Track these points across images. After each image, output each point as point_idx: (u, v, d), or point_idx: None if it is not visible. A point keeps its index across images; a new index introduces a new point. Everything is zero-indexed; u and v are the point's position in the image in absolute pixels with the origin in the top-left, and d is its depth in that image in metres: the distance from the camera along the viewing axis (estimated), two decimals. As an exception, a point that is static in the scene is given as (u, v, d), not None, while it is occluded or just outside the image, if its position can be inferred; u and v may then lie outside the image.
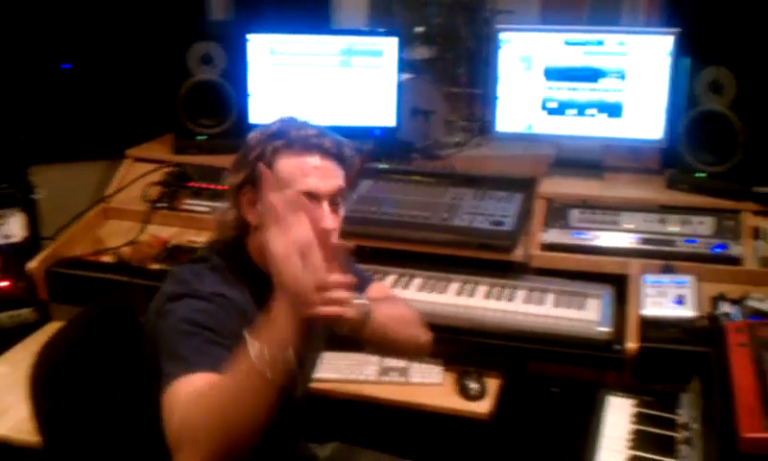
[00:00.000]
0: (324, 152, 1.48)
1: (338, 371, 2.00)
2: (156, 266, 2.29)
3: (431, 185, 2.45)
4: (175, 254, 2.31)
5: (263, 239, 1.32)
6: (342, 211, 1.52)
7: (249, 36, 2.61)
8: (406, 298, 2.07)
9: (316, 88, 2.64)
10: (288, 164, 1.45)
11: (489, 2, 3.07)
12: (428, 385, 1.98)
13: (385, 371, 2.01)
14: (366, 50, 2.62)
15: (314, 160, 1.47)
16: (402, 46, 2.72)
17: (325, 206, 1.46)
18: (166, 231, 2.45)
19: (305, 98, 2.64)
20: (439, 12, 3.14)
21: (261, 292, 1.38)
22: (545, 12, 3.13)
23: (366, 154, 2.67)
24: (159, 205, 2.52)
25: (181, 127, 2.72)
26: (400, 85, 2.66)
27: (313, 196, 1.45)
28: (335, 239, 1.46)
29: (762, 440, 1.25)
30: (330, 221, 1.46)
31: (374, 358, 2.04)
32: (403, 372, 2.01)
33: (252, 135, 1.50)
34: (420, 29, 3.13)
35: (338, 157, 1.50)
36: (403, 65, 2.74)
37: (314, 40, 2.64)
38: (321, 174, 1.47)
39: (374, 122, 2.67)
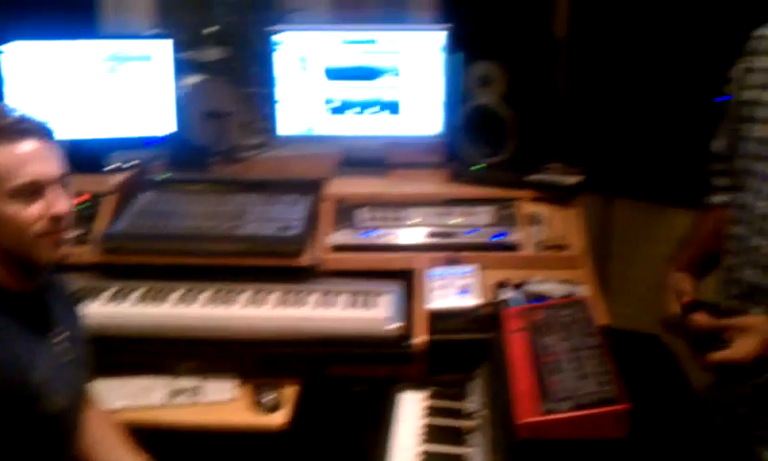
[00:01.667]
0: (38, 134, 1.38)
1: (123, 398, 1.88)
2: None
3: (216, 193, 2.37)
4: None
5: None
6: (72, 191, 1.43)
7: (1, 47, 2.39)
8: (194, 313, 2.00)
9: (82, 98, 2.46)
10: (1, 157, 1.34)
11: (278, 1, 3.03)
12: (221, 403, 1.91)
13: (175, 393, 1.91)
14: (136, 55, 2.48)
15: (29, 145, 1.36)
16: (183, 48, 2.61)
17: (54, 189, 1.37)
18: None
19: (70, 109, 2.45)
20: (228, 11, 3.05)
21: None
22: (337, 10, 3.12)
23: (145, 163, 2.54)
24: None
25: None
26: (183, 90, 2.55)
27: (38, 184, 1.35)
28: (71, 221, 1.41)
29: (538, 424, 1.29)
30: (64, 204, 1.37)
31: (163, 381, 1.93)
32: (195, 391, 1.92)
33: None
34: (210, 29, 3.03)
35: (51, 135, 1.40)
36: (190, 68, 2.64)
37: (78, 46, 2.45)
38: (41, 158, 1.36)
39: (152, 129, 2.53)
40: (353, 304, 2.03)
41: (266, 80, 2.94)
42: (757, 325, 1.43)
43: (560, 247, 2.20)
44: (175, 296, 2.06)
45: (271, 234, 2.16)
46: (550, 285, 2.05)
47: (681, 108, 2.62)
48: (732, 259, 1.61)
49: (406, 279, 2.13)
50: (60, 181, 1.41)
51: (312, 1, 3.09)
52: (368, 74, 2.48)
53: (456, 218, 2.28)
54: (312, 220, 2.24)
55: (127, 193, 2.37)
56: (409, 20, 2.89)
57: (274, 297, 2.06)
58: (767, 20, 1.59)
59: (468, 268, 2.11)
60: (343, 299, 2.05)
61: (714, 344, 1.44)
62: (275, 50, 2.48)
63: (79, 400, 1.59)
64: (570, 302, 1.70)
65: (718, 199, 1.74)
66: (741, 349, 1.40)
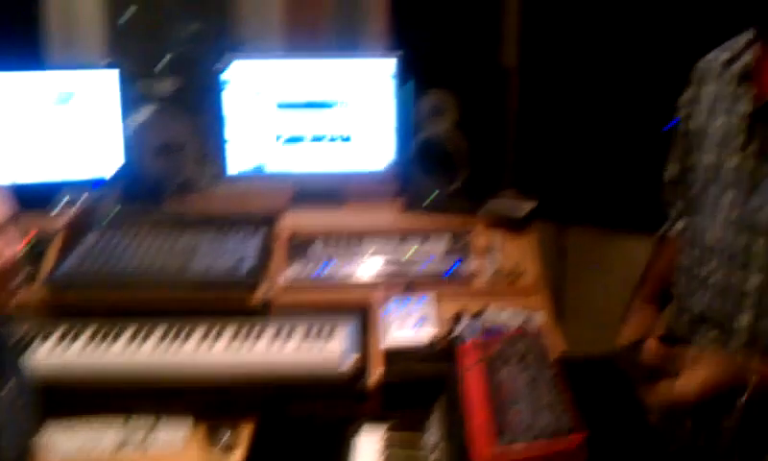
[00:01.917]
0: None
1: (73, 446, 1.82)
2: None
3: (167, 230, 2.32)
4: None
5: None
6: (19, 233, 1.40)
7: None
8: (144, 355, 1.95)
9: (29, 134, 2.39)
10: None
11: (231, 31, 3.00)
12: (174, 447, 1.85)
13: (126, 438, 1.86)
14: (84, 87, 2.42)
15: None
16: (134, 80, 2.56)
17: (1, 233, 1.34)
18: None
19: (16, 146, 2.38)
20: (180, 41, 3.03)
21: None
22: (290, 40, 3.10)
23: (94, 201, 2.48)
24: None
25: None
26: (134, 123, 2.51)
27: None
28: (19, 266, 1.38)
29: (495, 458, 1.27)
30: (11, 248, 1.36)
31: (114, 425, 1.88)
32: (147, 436, 1.86)
33: None
34: (164, 60, 2.99)
35: None
36: (141, 100, 2.60)
37: (23, 78, 2.37)
38: None
39: (102, 165, 2.47)
40: (307, 342, 1.99)
41: (218, 112, 2.92)
42: (706, 359, 1.42)
43: (515, 275, 2.20)
44: (125, 336, 2.01)
45: (223, 272, 2.12)
46: (507, 314, 2.04)
47: (632, 134, 2.65)
48: (683, 287, 1.62)
49: (362, 313, 2.10)
50: (7, 224, 1.36)
51: (264, 31, 3.08)
52: (319, 105, 2.47)
53: (411, 249, 2.27)
54: (265, 256, 2.21)
55: (75, 232, 2.31)
56: (361, 49, 2.89)
57: (226, 336, 2.02)
58: (712, 48, 1.62)
59: (423, 299, 2.09)
60: (296, 336, 2.01)
61: (662, 376, 1.43)
62: (225, 82, 2.46)
63: (27, 451, 1.53)
64: (525, 333, 1.69)
65: (674, 230, 1.75)
66: (685, 386, 1.39)
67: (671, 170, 1.72)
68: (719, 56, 1.58)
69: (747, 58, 1.50)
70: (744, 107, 1.48)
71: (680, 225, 1.72)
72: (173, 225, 2.34)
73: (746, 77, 1.49)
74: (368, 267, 2.22)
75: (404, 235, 2.32)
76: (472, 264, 2.22)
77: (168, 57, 3.02)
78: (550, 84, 2.75)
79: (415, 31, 2.62)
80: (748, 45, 1.51)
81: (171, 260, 2.16)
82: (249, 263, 2.14)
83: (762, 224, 1.43)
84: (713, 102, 1.55)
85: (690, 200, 1.61)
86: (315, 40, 2.96)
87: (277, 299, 2.14)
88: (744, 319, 1.46)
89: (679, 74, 1.67)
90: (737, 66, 1.51)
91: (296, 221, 2.40)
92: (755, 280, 1.44)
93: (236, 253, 2.19)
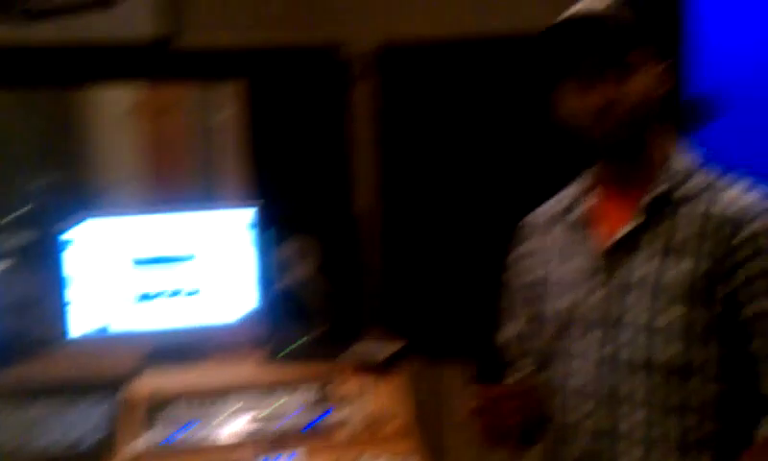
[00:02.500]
0: None
1: None
2: None
3: (5, 401, 2.12)
4: None
5: None
6: None
7: None
8: None
9: None
10: None
11: (87, 185, 2.90)
12: None
13: None
14: None
15: None
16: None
17: None
18: None
19: None
20: (34, 194, 2.88)
21: None
22: (148, 193, 3.02)
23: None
24: None
25: None
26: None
27: None
28: None
29: None
30: None
31: None
32: None
33: None
34: (13, 214, 2.84)
35: None
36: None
37: None
38: None
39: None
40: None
41: (67, 270, 2.77)
42: None
43: (386, 420, 2.13)
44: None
45: (63, 449, 1.93)
46: (380, 463, 1.96)
47: (497, 265, 2.69)
48: (548, 442, 1.59)
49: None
50: None
51: (122, 184, 2.99)
52: (177, 259, 2.38)
53: (277, 403, 2.16)
54: (115, 424, 2.04)
55: None
56: (219, 201, 2.84)
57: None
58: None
59: (293, 455, 1.97)
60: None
61: None
62: (72, 240, 2.34)
63: None
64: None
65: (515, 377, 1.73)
66: None
67: (513, 327, 1.71)
68: (554, 207, 1.64)
69: (587, 203, 1.55)
70: (590, 251, 1.51)
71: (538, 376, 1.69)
72: (11, 395, 2.14)
73: (585, 224, 1.54)
74: (232, 426, 2.08)
75: (269, 389, 2.21)
76: (341, 413, 2.13)
77: (19, 211, 2.88)
78: (411, 224, 2.78)
79: (274, 180, 2.61)
80: (585, 192, 1.57)
81: (7, 437, 1.96)
82: (95, 436, 1.96)
83: (637, 358, 1.42)
84: (556, 250, 1.58)
85: (541, 354, 1.60)
86: (174, 193, 2.90)
87: (134, 470, 1.97)
88: (634, 455, 1.43)
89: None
90: (578, 212, 1.57)
91: (153, 382, 2.25)
92: (639, 416, 1.42)
93: (81, 424, 2.01)
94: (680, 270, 1.39)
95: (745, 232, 1.37)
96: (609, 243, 1.48)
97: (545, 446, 1.63)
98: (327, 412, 2.12)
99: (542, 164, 2.60)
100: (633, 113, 1.40)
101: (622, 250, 1.46)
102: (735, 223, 1.38)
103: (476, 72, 2.67)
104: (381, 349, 2.31)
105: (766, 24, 3.78)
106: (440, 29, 2.67)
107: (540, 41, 1.44)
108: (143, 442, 2.02)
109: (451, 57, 2.68)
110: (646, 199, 1.45)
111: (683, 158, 1.49)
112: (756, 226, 1.37)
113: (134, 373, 2.30)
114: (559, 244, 1.59)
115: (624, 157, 1.47)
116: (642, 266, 1.43)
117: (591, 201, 1.55)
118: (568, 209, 1.59)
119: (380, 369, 2.26)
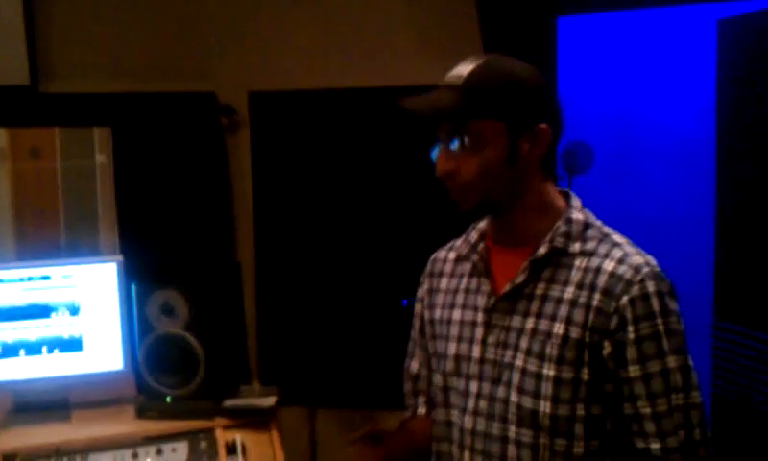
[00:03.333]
0: None
1: None
2: None
3: None
4: None
5: None
6: None
7: None
8: None
9: None
10: None
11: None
12: None
13: None
14: None
15: None
16: None
17: None
18: None
19: None
20: None
21: None
22: (20, 245, 2.89)
23: None
24: None
25: None
26: None
27: None
28: None
29: None
30: None
31: None
32: None
33: None
34: None
35: None
36: None
37: None
38: None
39: None
40: None
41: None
42: None
43: (260, 475, 2.11)
44: None
45: None
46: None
47: (370, 311, 2.72)
48: None
49: None
50: None
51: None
52: (40, 312, 2.29)
53: (147, 459, 2.11)
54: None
55: None
56: (87, 254, 2.76)
57: None
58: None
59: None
60: None
61: None
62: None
63: None
64: None
65: (411, 413, 1.74)
66: None
67: (415, 363, 1.72)
68: (449, 254, 1.65)
69: (477, 255, 1.56)
70: (481, 300, 1.52)
71: (422, 410, 1.70)
72: None
73: (479, 273, 1.54)
74: (98, 486, 2.02)
75: (139, 445, 2.15)
76: (213, 469, 2.10)
77: None
78: (286, 275, 2.78)
79: (143, 232, 2.56)
80: (477, 243, 1.57)
81: None
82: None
83: (510, 415, 1.45)
84: (451, 295, 1.59)
85: (439, 390, 1.59)
86: (39, 242, 2.79)
87: None
88: None
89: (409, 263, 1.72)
90: (469, 263, 1.58)
91: (15, 439, 2.16)
92: None
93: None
94: (554, 333, 1.42)
95: (626, 297, 1.40)
96: (492, 299, 1.50)
97: None
98: (198, 469, 2.09)
99: (416, 211, 2.67)
100: (476, 181, 1.43)
101: (505, 306, 1.48)
102: (622, 284, 1.40)
103: (343, 120, 2.73)
104: (259, 400, 2.28)
105: (622, 85, 4.07)
106: (304, 82, 2.73)
107: (403, 108, 1.47)
108: (2, 505, 1.94)
109: (319, 105, 2.74)
110: (531, 258, 1.46)
111: (575, 212, 1.51)
112: (636, 291, 1.40)
113: (1, 426, 2.20)
114: (461, 287, 1.58)
115: (494, 214, 1.50)
116: (519, 326, 1.46)
117: (485, 250, 1.55)
118: (461, 259, 1.60)
119: (258, 421, 2.23)
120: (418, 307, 1.71)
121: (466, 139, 1.41)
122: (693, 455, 1.40)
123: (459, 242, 1.65)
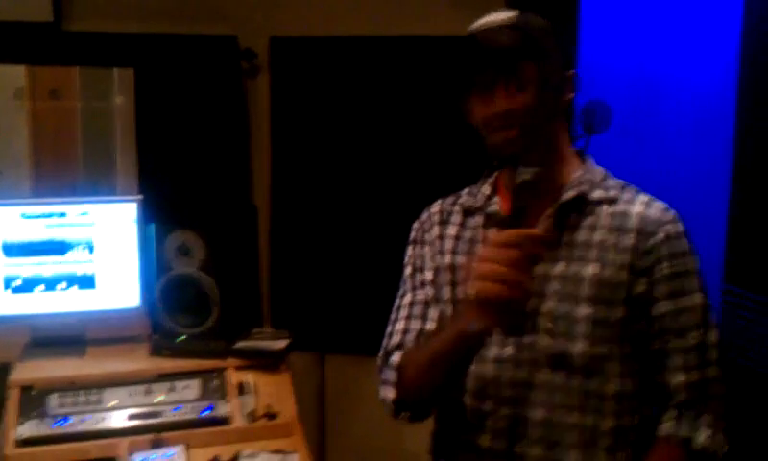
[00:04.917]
0: None
1: None
2: None
3: None
4: None
5: None
6: None
7: None
8: None
9: None
10: None
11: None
12: None
13: None
14: None
15: None
16: None
17: None
18: None
19: None
20: None
21: None
22: (37, 181, 2.91)
23: None
24: None
25: None
26: None
27: None
28: None
29: None
30: None
31: None
32: None
33: None
34: None
35: None
36: None
37: None
38: None
39: None
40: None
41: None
42: None
43: (271, 415, 2.16)
44: None
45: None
46: (261, 459, 1.99)
47: (382, 260, 2.73)
48: (462, 422, 1.55)
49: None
50: None
51: (8, 172, 2.86)
52: (56, 248, 2.32)
53: (160, 395, 2.15)
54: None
55: None
56: (106, 193, 2.78)
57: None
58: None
59: (172, 450, 1.97)
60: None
61: None
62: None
63: None
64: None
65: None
66: None
67: (414, 325, 1.63)
68: (467, 200, 1.62)
69: (494, 206, 1.55)
70: None
71: None
72: None
73: (500, 223, 1.50)
74: (113, 418, 2.07)
75: (152, 381, 2.19)
76: (226, 407, 2.14)
77: None
78: (300, 220, 2.80)
79: (161, 171, 2.57)
80: (491, 195, 1.57)
81: None
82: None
83: (540, 356, 1.45)
84: (465, 244, 1.57)
85: None
86: (59, 180, 2.81)
87: (11, 460, 1.93)
88: (535, 453, 1.46)
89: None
90: (482, 216, 1.57)
91: (31, 371, 2.20)
92: (539, 414, 1.46)
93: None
94: (586, 274, 1.44)
95: (661, 235, 1.44)
96: None
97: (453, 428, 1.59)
98: (210, 408, 2.13)
99: (432, 161, 2.67)
100: (526, 123, 1.43)
101: None
102: (655, 223, 1.45)
103: (364, 69, 2.72)
104: (270, 343, 2.31)
105: (643, 43, 4.00)
106: (325, 29, 2.71)
107: (443, 57, 1.47)
108: (23, 430, 1.98)
109: (340, 52, 2.73)
110: (557, 204, 1.47)
111: (592, 165, 1.54)
112: (670, 229, 1.45)
113: (15, 359, 2.25)
114: (477, 237, 1.56)
115: (527, 163, 1.45)
116: (545, 272, 1.46)
117: (503, 202, 1.55)
118: (482, 207, 1.58)
119: (269, 363, 2.27)
120: (426, 252, 1.63)
121: (521, 80, 1.42)
122: (712, 388, 1.46)
123: (463, 196, 1.64)
